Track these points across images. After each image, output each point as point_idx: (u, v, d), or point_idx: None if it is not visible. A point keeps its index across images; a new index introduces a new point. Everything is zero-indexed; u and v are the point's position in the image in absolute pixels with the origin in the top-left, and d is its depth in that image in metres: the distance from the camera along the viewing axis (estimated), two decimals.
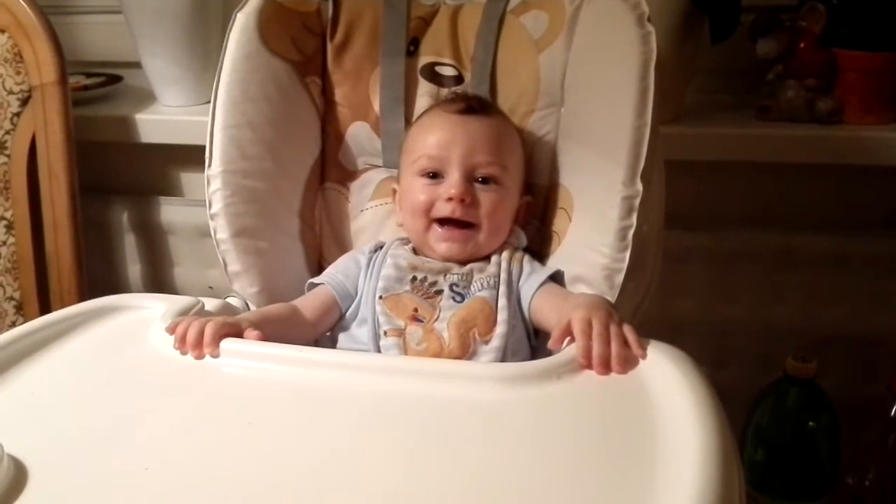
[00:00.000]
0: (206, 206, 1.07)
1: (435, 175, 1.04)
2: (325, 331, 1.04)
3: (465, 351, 0.95)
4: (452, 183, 1.02)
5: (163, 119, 1.57)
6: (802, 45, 1.32)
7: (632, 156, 0.95)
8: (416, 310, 0.99)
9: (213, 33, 1.50)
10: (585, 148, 1.05)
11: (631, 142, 0.95)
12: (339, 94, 1.20)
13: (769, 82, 1.37)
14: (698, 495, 0.60)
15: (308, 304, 1.03)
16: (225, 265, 1.07)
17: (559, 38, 1.12)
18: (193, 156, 1.09)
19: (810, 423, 1.29)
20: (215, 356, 0.85)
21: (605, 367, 0.80)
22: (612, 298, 0.94)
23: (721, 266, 1.42)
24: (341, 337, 1.03)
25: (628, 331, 0.82)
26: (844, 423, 1.29)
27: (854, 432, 1.32)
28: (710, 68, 1.41)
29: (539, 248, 1.11)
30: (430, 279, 1.01)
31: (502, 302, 0.98)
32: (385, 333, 0.97)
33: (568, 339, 0.84)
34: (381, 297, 0.99)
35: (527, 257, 1.05)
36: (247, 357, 0.85)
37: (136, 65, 1.60)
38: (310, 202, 1.18)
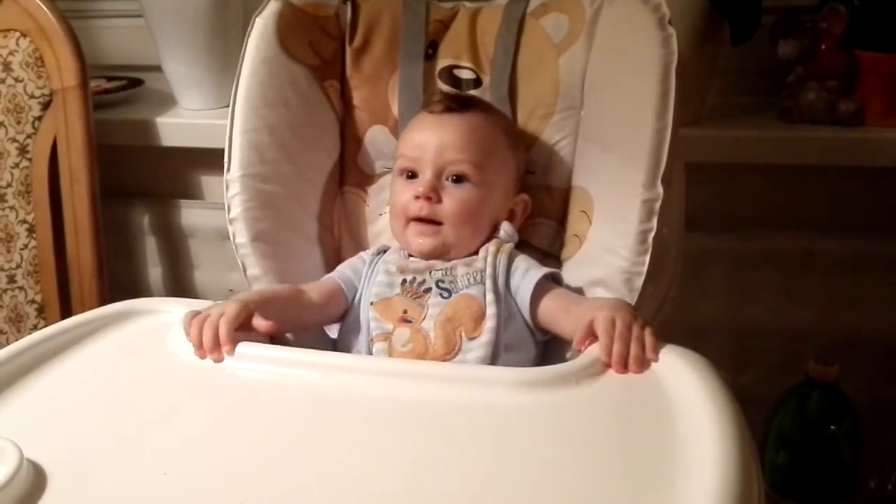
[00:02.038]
0: (225, 210, 1.08)
1: (412, 175, 1.05)
2: (333, 317, 1.05)
3: (451, 350, 0.95)
4: (422, 181, 1.03)
5: (183, 122, 1.58)
6: (823, 46, 1.32)
7: (652, 159, 0.95)
8: (405, 311, 0.98)
9: (233, 37, 1.51)
10: (605, 151, 1.05)
11: (651, 145, 0.95)
12: (358, 97, 1.20)
13: (790, 84, 1.36)
14: (717, 501, 0.60)
15: (315, 288, 1.04)
16: (244, 269, 1.07)
17: (579, 41, 1.12)
18: (213, 159, 1.10)
19: (832, 427, 1.28)
20: (231, 354, 0.85)
21: (624, 366, 0.80)
22: (631, 302, 0.93)
23: (742, 269, 1.41)
24: (338, 341, 1.05)
25: (648, 333, 0.83)
26: (866, 427, 1.28)
27: (876, 436, 1.31)
28: (730, 70, 1.41)
29: (559, 251, 1.11)
30: (419, 279, 1.01)
31: (490, 297, 0.97)
32: (373, 340, 0.97)
33: (589, 340, 0.84)
34: (372, 304, 1.00)
35: (518, 253, 1.03)
36: (264, 361, 0.85)
37: (157, 68, 1.61)
38: (328, 206, 1.18)
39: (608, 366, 0.81)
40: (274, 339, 0.92)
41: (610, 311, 0.84)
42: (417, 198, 1.02)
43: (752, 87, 1.47)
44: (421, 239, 1.03)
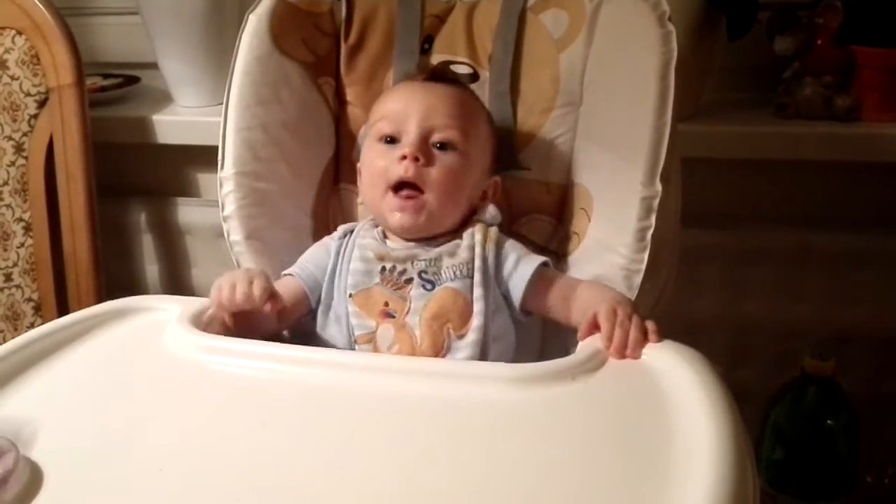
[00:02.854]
0: (220, 208, 1.08)
1: (392, 140, 1.00)
2: (291, 323, 1.01)
3: (438, 350, 0.94)
4: (407, 143, 0.98)
5: (179, 120, 1.58)
6: (819, 42, 1.32)
7: (651, 156, 0.96)
8: (386, 304, 0.96)
9: (229, 34, 1.50)
10: (604, 147, 1.05)
11: (651, 142, 0.96)
12: (352, 94, 1.20)
13: (786, 80, 1.36)
14: (712, 497, 0.60)
15: (283, 291, 0.98)
16: (239, 266, 1.07)
17: (579, 37, 1.12)
18: (210, 156, 1.10)
19: (829, 422, 1.28)
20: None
21: (622, 352, 0.81)
22: (631, 298, 0.94)
23: (739, 264, 1.41)
24: (318, 336, 1.00)
25: (649, 322, 0.84)
26: (863, 422, 1.28)
27: (873, 431, 1.31)
28: (727, 65, 1.41)
29: (558, 248, 1.11)
30: (399, 268, 0.98)
31: (478, 292, 0.95)
32: (356, 341, 0.96)
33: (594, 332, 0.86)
34: (350, 295, 0.97)
35: (506, 239, 1.01)
36: (260, 358, 0.84)
37: (154, 66, 1.60)
38: (323, 202, 1.18)
39: (608, 351, 0.82)
40: (269, 335, 0.93)
41: (611, 303, 0.86)
42: (404, 158, 0.98)
43: (749, 82, 1.47)
44: (400, 214, 0.98)
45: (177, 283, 1.69)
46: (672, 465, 0.65)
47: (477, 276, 0.96)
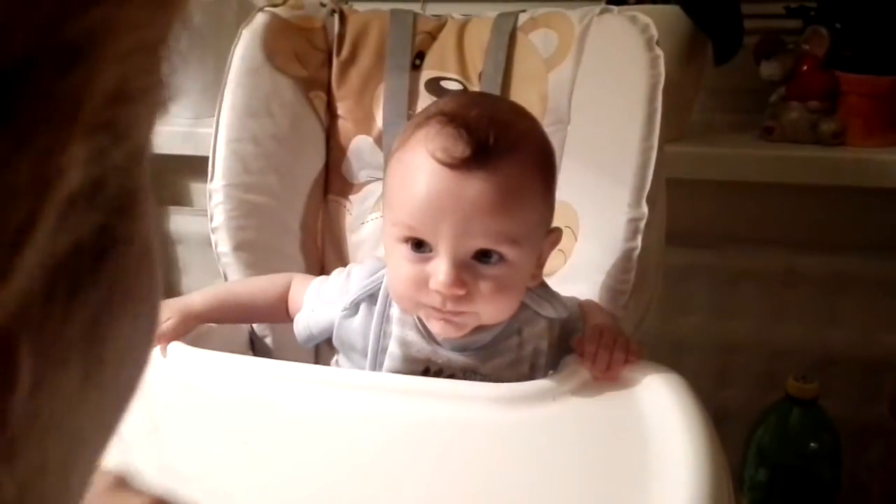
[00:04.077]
0: (209, 219, 1.09)
1: (420, 244, 0.79)
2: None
3: None
4: (441, 269, 0.77)
5: (173, 130, 1.58)
6: (805, 67, 1.33)
7: (638, 178, 0.97)
8: None
9: (224, 47, 1.49)
10: (591, 168, 1.05)
11: (638, 164, 0.97)
12: (343, 108, 1.21)
13: (773, 104, 1.37)
14: None
15: (277, 295, 0.96)
16: (226, 278, 1.08)
17: (568, 57, 1.13)
18: (203, 166, 1.11)
19: (812, 444, 1.29)
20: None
21: (603, 373, 0.81)
22: (616, 317, 0.95)
23: (724, 285, 1.42)
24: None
25: (632, 343, 0.84)
26: (846, 445, 1.29)
27: (856, 454, 1.32)
28: (713, 88, 1.42)
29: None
30: (446, 373, 0.85)
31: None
32: None
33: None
34: None
35: (552, 326, 0.89)
36: (248, 374, 0.84)
37: None
38: (312, 214, 1.19)
39: (591, 371, 0.81)
40: (255, 348, 0.93)
41: (599, 325, 0.86)
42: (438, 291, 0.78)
43: (736, 104, 1.48)
44: (444, 324, 0.81)
45: (167, 291, 1.67)
46: (649, 489, 0.66)
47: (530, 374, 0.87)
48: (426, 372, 0.84)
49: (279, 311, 0.96)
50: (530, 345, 0.86)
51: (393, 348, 0.85)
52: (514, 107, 0.88)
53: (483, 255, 0.78)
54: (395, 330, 0.85)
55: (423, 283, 0.78)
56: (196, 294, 0.95)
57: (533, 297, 0.86)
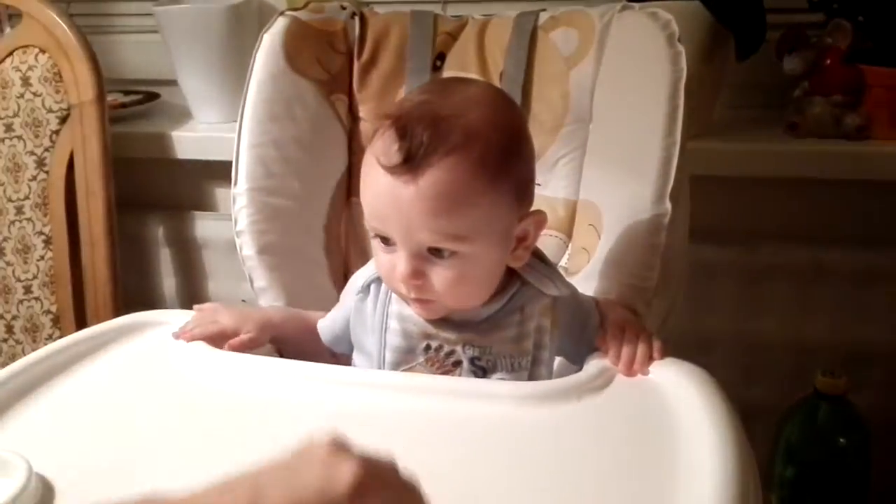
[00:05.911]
0: (233, 223, 1.10)
1: (386, 239, 0.83)
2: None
3: None
4: (401, 259, 0.81)
5: (198, 136, 1.60)
6: (829, 61, 1.32)
7: (661, 175, 0.97)
8: None
9: (247, 52, 1.50)
10: (614, 165, 1.05)
11: (660, 161, 0.97)
12: (365, 110, 1.22)
13: (796, 98, 1.37)
14: None
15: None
16: (251, 281, 1.09)
17: (589, 55, 1.13)
18: (227, 171, 1.12)
19: (841, 441, 1.28)
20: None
21: (630, 369, 0.82)
22: (641, 315, 0.95)
23: (751, 281, 1.41)
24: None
25: (655, 340, 0.85)
26: (876, 441, 1.28)
27: (886, 449, 1.31)
28: (737, 83, 1.41)
29: (567, 264, 1.12)
30: (447, 348, 0.86)
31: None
32: None
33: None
34: None
35: (562, 305, 0.89)
36: (266, 374, 0.85)
37: (173, 82, 1.63)
38: (336, 216, 1.19)
39: (616, 367, 0.83)
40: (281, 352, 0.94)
41: (621, 323, 0.87)
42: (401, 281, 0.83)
43: (760, 99, 1.47)
44: (418, 308, 0.86)
45: (193, 296, 1.71)
46: (675, 486, 0.65)
47: (533, 370, 0.87)
48: (427, 348, 0.87)
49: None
50: (532, 321, 0.87)
51: (393, 324, 0.88)
52: (471, 97, 0.84)
53: (435, 250, 0.81)
54: (394, 307, 0.88)
55: (394, 271, 0.82)
56: (268, 308, 1.04)
57: (535, 276, 0.88)
